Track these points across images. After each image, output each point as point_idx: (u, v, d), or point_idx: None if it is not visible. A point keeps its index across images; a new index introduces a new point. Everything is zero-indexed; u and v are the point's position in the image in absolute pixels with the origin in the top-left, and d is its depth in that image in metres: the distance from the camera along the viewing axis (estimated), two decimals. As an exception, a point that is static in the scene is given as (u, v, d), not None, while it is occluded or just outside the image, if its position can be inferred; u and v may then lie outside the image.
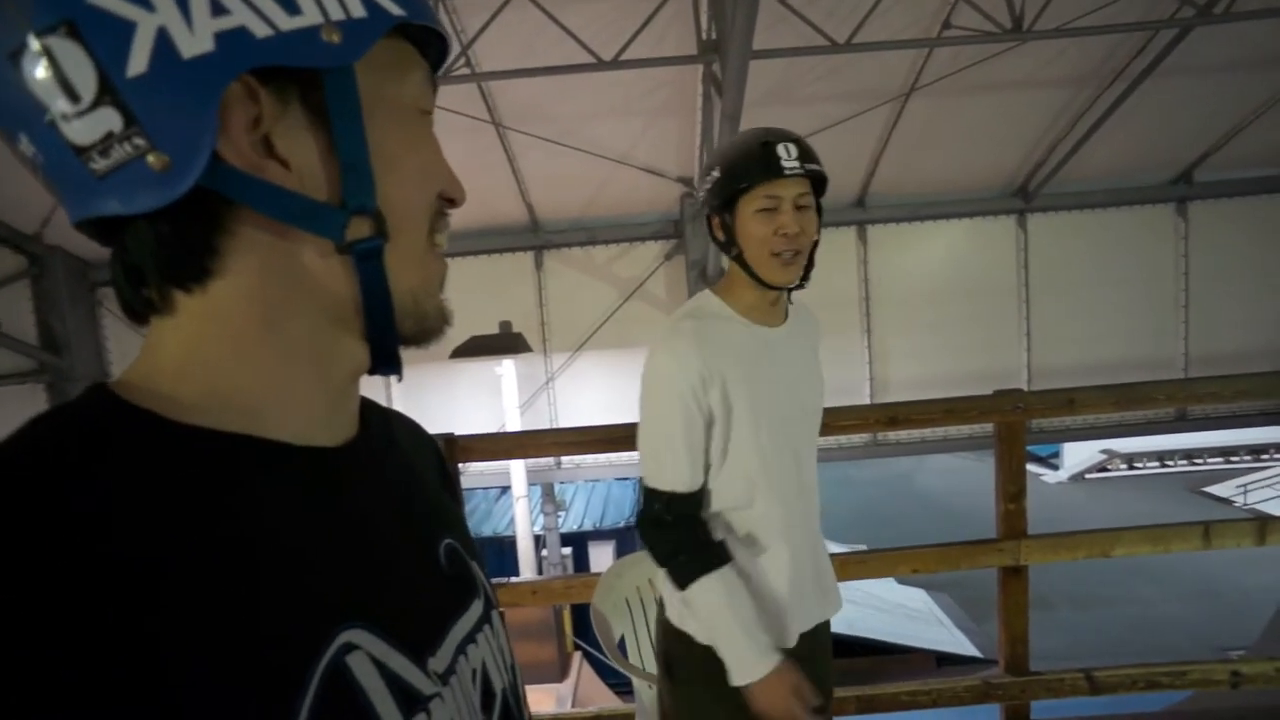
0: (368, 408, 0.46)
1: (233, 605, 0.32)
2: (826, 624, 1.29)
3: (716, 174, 1.12)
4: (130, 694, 0.27)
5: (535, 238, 5.66)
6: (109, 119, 0.32)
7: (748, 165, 1.09)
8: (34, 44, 0.31)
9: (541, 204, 5.43)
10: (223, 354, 0.37)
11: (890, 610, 9.54)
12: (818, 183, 1.13)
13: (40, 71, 0.32)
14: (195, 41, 0.32)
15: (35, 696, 0.26)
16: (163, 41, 0.31)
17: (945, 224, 5.81)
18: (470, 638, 0.45)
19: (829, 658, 1.32)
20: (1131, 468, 17.26)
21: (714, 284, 1.22)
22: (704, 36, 3.69)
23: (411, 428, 0.54)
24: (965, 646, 8.87)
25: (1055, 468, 17.59)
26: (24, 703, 0.26)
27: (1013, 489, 2.08)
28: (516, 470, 5.25)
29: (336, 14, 0.35)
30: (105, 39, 0.31)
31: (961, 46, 3.97)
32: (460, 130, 4.26)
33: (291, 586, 0.34)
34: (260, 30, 0.33)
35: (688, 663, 1.20)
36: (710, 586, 1.11)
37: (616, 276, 5.67)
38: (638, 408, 1.16)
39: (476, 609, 0.47)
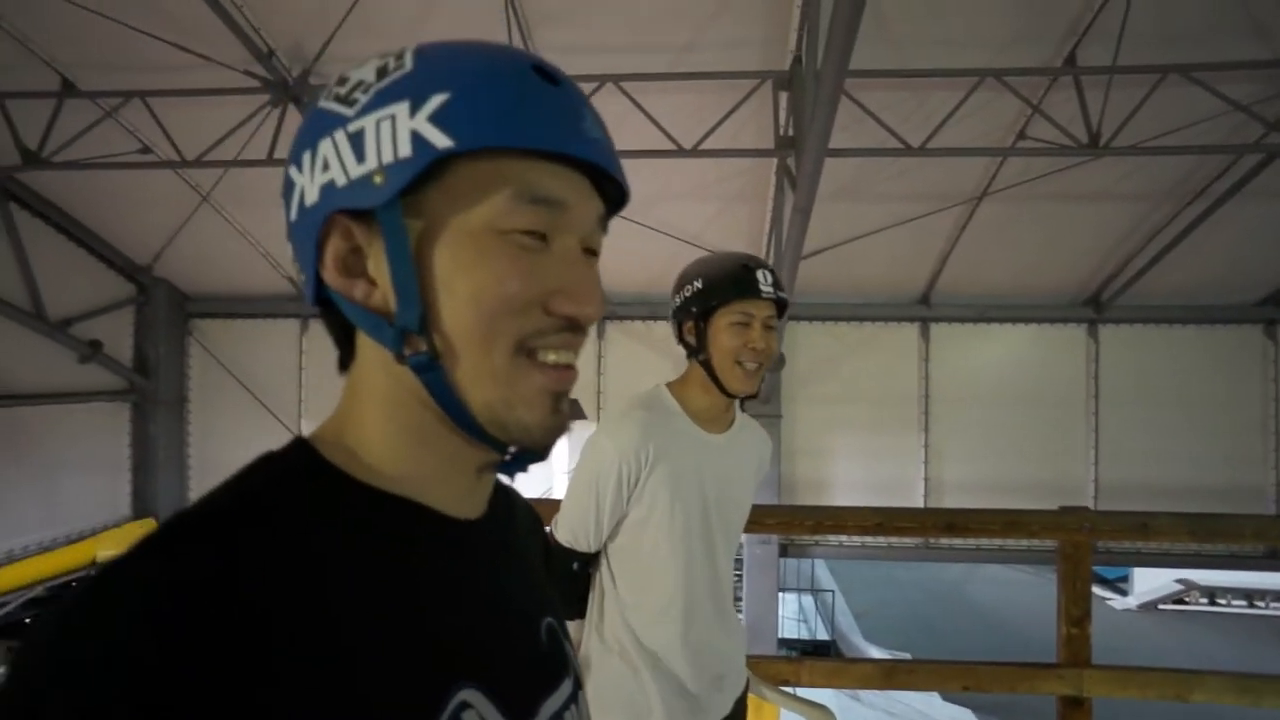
0: (496, 485, 0.52)
1: (369, 649, 0.36)
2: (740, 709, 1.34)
3: (699, 285, 1.26)
4: None
5: (599, 307, 5.83)
6: (290, 249, 0.44)
7: (731, 283, 1.23)
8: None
9: (608, 275, 5.50)
10: (376, 429, 0.43)
11: (934, 731, 8.82)
12: (782, 308, 1.27)
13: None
14: (311, 193, 0.42)
15: None
16: (300, 196, 0.42)
17: (1011, 328, 5.72)
18: (559, 715, 0.48)
19: None
20: (1213, 603, 15.73)
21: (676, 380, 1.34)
22: (781, 132, 3.86)
23: (525, 506, 0.59)
24: (1017, 783, 8.07)
25: (1123, 593, 16.23)
26: None
27: (1076, 612, 1.98)
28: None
29: (388, 157, 0.39)
30: (288, 195, 0.44)
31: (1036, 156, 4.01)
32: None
33: (424, 639, 0.39)
34: (340, 180, 0.40)
35: None
36: None
37: (675, 353, 5.72)
38: (570, 475, 1.27)
39: (566, 688, 0.50)
